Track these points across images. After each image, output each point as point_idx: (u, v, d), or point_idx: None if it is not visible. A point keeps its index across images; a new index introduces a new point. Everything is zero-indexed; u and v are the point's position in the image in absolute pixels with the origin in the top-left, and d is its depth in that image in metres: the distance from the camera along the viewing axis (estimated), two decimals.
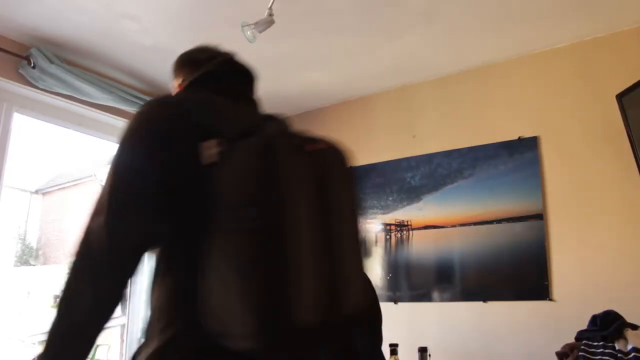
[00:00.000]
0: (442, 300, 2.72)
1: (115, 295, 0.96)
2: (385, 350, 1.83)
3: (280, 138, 0.95)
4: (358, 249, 1.04)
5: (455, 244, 2.75)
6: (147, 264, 1.88)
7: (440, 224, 2.81)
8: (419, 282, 2.84)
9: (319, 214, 0.94)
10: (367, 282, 1.11)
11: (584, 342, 1.84)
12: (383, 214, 3.03)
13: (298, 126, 1.07)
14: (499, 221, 2.63)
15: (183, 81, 1.26)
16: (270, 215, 0.88)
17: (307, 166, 0.96)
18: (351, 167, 1.10)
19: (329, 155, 1.03)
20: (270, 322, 0.83)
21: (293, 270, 0.86)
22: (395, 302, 2.85)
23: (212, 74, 1.17)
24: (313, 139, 1.02)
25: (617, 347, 1.74)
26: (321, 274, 0.91)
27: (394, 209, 2.99)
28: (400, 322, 2.76)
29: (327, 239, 0.95)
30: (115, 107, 2.84)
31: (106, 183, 0.97)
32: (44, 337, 0.94)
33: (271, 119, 1.14)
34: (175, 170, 0.95)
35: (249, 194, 0.89)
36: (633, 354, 1.67)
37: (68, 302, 0.94)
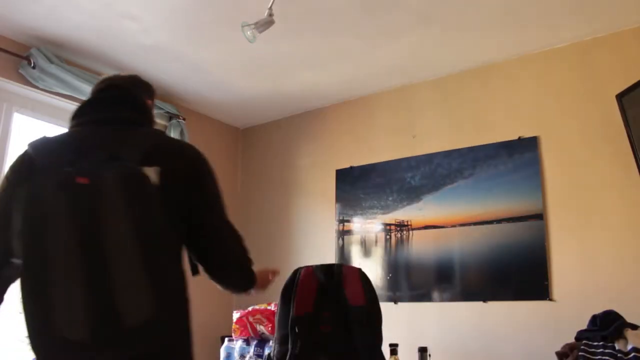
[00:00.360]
0: (442, 300, 2.72)
1: None
2: (385, 350, 1.83)
3: (50, 176, 1.12)
4: (140, 269, 1.11)
5: (455, 244, 2.75)
6: None
7: (440, 224, 2.81)
8: (419, 282, 2.83)
9: (82, 246, 1.09)
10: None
11: (584, 342, 1.84)
12: (383, 214, 3.03)
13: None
14: (499, 221, 2.62)
15: None
16: (32, 249, 1.10)
17: (72, 201, 1.10)
18: (141, 192, 1.14)
19: (100, 187, 1.11)
20: (40, 338, 1.10)
21: (51, 299, 1.08)
22: (395, 302, 2.85)
23: (89, 104, 1.34)
24: (86, 172, 1.12)
25: (617, 347, 1.74)
26: (84, 300, 1.07)
27: (394, 209, 2.99)
28: (400, 322, 2.76)
29: (94, 267, 1.08)
30: None
31: None
32: None
33: (136, 136, 1.26)
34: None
35: (21, 229, 1.12)
36: (633, 354, 1.67)
37: None
